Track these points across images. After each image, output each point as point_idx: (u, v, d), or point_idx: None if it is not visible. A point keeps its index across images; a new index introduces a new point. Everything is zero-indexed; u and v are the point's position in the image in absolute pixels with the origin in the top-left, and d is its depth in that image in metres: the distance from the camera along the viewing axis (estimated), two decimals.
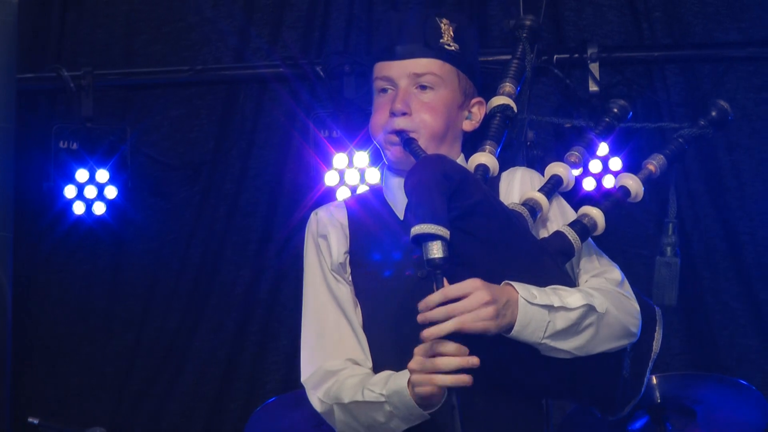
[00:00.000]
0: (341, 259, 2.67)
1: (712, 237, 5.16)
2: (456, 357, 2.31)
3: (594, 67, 5.09)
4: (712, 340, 5.18)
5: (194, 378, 5.43)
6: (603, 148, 4.86)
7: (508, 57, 4.85)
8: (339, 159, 5.06)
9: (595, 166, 4.91)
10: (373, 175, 5.00)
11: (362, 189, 4.96)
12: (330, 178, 5.06)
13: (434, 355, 2.33)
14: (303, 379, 2.64)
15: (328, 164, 5.07)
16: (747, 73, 5.24)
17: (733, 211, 5.21)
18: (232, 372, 5.42)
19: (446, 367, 2.31)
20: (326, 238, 2.69)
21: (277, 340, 5.41)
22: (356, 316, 2.65)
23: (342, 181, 5.05)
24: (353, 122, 5.05)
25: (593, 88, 5.08)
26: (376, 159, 4.99)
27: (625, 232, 5.06)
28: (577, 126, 4.77)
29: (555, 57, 5.13)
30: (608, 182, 4.92)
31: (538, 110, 5.08)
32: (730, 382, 4.28)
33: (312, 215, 2.75)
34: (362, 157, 5.04)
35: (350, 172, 5.05)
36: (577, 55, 5.15)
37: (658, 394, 4.02)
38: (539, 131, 5.02)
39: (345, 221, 2.71)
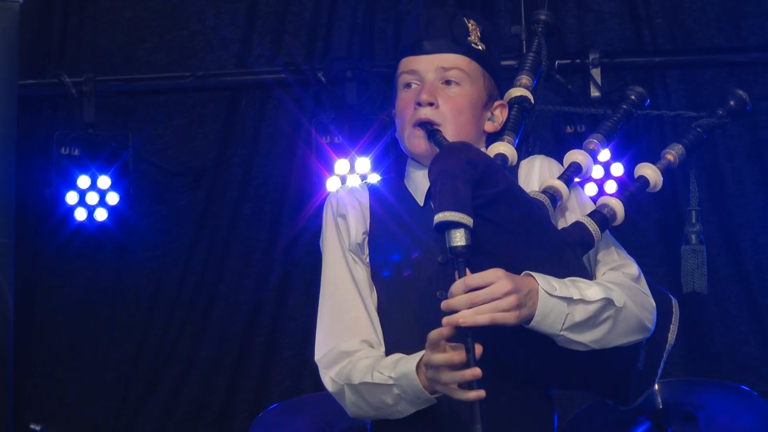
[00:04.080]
0: (359, 239, 2.67)
1: (713, 243, 5.15)
2: (458, 373, 2.32)
3: (596, 73, 5.09)
4: (713, 347, 5.18)
5: (198, 387, 5.42)
6: (605, 154, 4.86)
7: (511, 63, 4.88)
8: (341, 165, 5.06)
9: (596, 171, 4.91)
10: (374, 180, 4.98)
11: None
12: (332, 184, 5.06)
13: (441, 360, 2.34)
14: (317, 357, 2.64)
15: (330, 170, 5.07)
16: (748, 82, 5.24)
17: (733, 217, 5.21)
18: (236, 381, 5.41)
19: (450, 381, 2.33)
20: (345, 217, 2.69)
21: (282, 350, 5.40)
22: (371, 299, 2.65)
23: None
24: (355, 128, 5.06)
25: (595, 93, 5.08)
26: (378, 165, 5.00)
27: (627, 241, 5.03)
28: (579, 132, 4.78)
29: (557, 62, 5.13)
30: (610, 188, 4.92)
31: (539, 115, 5.08)
32: (732, 388, 4.28)
33: (331, 194, 2.75)
34: (364, 163, 5.04)
35: (352, 177, 5.05)
36: (578, 61, 5.15)
37: (660, 400, 4.01)
38: (539, 137, 5.03)
39: (366, 202, 2.71)
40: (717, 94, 5.21)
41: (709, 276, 5.08)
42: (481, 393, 2.31)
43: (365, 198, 2.72)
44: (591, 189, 4.92)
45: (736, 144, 5.21)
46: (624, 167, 4.92)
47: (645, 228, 5.23)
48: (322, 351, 2.63)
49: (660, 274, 5.09)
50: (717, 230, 5.20)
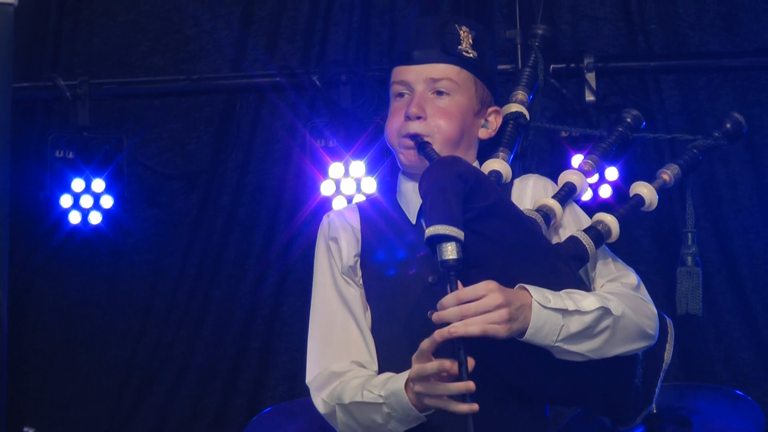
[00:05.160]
0: (351, 262, 2.68)
1: (707, 250, 5.15)
2: (452, 385, 2.32)
3: (590, 77, 5.09)
4: (707, 354, 5.18)
5: (192, 392, 5.41)
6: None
7: (506, 67, 4.87)
8: (335, 168, 5.06)
9: (593, 175, 4.90)
10: (370, 185, 4.99)
11: (358, 198, 4.96)
12: (326, 188, 5.06)
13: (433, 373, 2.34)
14: (308, 380, 2.64)
15: (325, 174, 5.07)
16: (742, 88, 5.25)
17: (728, 223, 5.21)
18: (231, 386, 5.40)
19: (444, 392, 2.33)
20: (337, 241, 2.70)
21: (277, 356, 5.40)
22: (365, 319, 2.66)
23: (338, 191, 5.05)
24: (349, 131, 5.06)
25: (590, 98, 5.08)
26: (373, 168, 5.00)
27: (621, 249, 5.02)
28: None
29: (551, 67, 5.12)
30: (605, 192, 4.91)
31: (534, 120, 5.08)
32: (726, 393, 4.29)
33: (324, 218, 2.76)
34: (358, 167, 5.04)
35: (346, 181, 5.05)
36: (573, 65, 5.15)
37: (654, 404, 4.01)
38: (534, 142, 5.02)
39: (357, 224, 2.72)
40: (711, 99, 5.22)
41: (704, 282, 5.10)
42: (474, 406, 2.30)
43: (355, 219, 2.72)
44: (586, 194, 4.89)
45: (730, 150, 5.20)
46: (618, 171, 4.92)
47: (639, 235, 5.23)
48: (312, 373, 2.64)
49: (654, 281, 5.07)
50: (711, 236, 5.20)
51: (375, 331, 2.65)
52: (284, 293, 5.40)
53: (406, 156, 2.68)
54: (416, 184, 2.51)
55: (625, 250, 4.98)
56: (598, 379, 2.52)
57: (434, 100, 2.67)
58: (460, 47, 2.68)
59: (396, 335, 2.61)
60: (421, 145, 2.63)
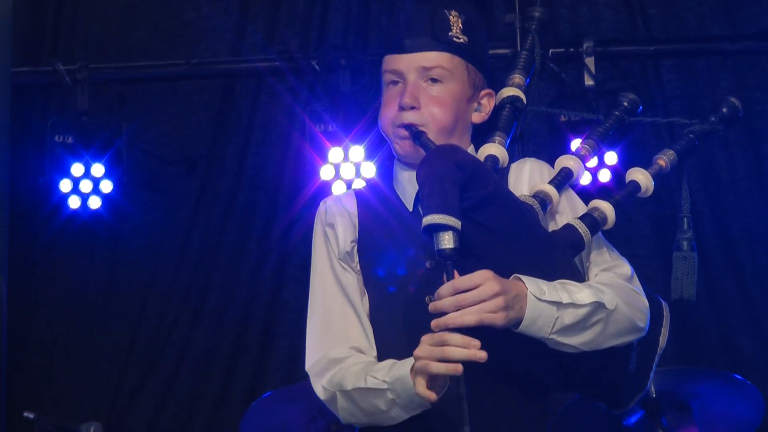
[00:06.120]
0: (348, 247, 2.67)
1: (706, 235, 5.15)
2: (464, 349, 2.30)
3: (590, 62, 5.08)
4: (707, 339, 5.18)
5: (192, 377, 5.41)
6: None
7: (506, 51, 4.87)
8: (334, 153, 5.06)
9: (590, 160, 4.90)
10: (369, 169, 5.00)
11: (358, 183, 4.96)
12: (325, 173, 5.06)
13: (443, 345, 2.31)
14: (307, 366, 2.63)
15: (324, 158, 5.07)
16: (742, 72, 5.24)
17: (727, 209, 5.21)
18: (231, 371, 5.40)
19: (454, 357, 2.30)
20: (333, 226, 2.69)
21: (276, 340, 5.40)
22: (363, 305, 2.65)
23: (337, 175, 5.05)
24: (349, 116, 5.06)
25: (589, 82, 5.07)
26: (372, 153, 5.00)
27: (621, 234, 5.03)
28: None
29: (550, 51, 5.12)
30: (604, 176, 4.91)
31: (533, 104, 5.08)
32: (725, 377, 4.28)
33: (321, 204, 2.75)
34: (358, 151, 5.04)
35: (346, 166, 5.05)
36: (572, 50, 5.14)
37: (653, 389, 4.02)
38: (534, 126, 5.02)
39: (354, 210, 2.71)
40: (711, 83, 5.22)
41: (702, 267, 5.12)
42: (482, 355, 2.29)
43: (353, 206, 2.72)
44: (585, 178, 4.90)
45: (729, 133, 5.20)
46: (617, 155, 4.92)
47: (639, 220, 5.22)
48: (312, 360, 2.63)
49: (654, 266, 5.08)
50: (710, 221, 5.20)
51: (372, 317, 2.65)
52: (284, 278, 5.41)
53: (401, 146, 2.67)
54: (412, 173, 2.50)
55: (624, 236, 5.03)
56: (593, 368, 2.53)
57: (427, 88, 2.65)
58: (450, 33, 2.67)
59: (394, 321, 2.60)
60: (416, 134, 2.62)
